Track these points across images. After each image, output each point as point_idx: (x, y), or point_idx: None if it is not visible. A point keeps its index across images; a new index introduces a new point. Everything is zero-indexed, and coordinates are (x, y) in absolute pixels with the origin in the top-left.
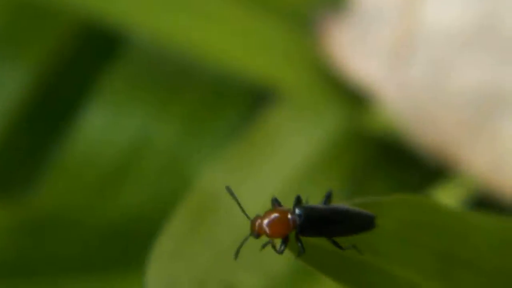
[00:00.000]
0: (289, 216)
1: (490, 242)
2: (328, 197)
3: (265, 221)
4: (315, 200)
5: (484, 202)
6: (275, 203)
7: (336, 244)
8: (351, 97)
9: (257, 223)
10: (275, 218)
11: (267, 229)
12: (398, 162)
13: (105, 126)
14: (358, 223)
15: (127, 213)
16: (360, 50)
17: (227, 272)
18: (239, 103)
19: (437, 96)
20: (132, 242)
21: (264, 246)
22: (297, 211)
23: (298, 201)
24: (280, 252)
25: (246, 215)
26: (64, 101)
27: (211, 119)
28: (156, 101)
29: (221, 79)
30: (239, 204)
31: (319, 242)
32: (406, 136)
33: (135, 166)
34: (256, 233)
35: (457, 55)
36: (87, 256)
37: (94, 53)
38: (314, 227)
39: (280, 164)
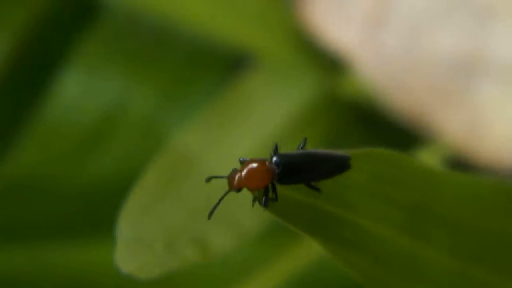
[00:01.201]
0: (267, 165)
1: (462, 197)
2: (303, 146)
3: (244, 173)
4: None
5: (459, 167)
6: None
7: (314, 187)
8: (327, 63)
9: (236, 177)
10: (254, 168)
11: (247, 181)
12: (374, 128)
13: (81, 92)
14: (334, 165)
15: (103, 179)
16: (336, 16)
17: (198, 230)
18: (216, 69)
19: (412, 62)
20: (108, 209)
21: (254, 200)
22: (275, 159)
23: (275, 151)
24: (265, 206)
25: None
26: (39, 67)
27: (188, 84)
28: (132, 67)
29: (198, 44)
30: None
31: (291, 195)
32: (381, 101)
33: (111, 132)
34: (236, 187)
35: (432, 21)
36: (62, 223)
37: (70, 19)
38: (293, 173)
39: (255, 126)
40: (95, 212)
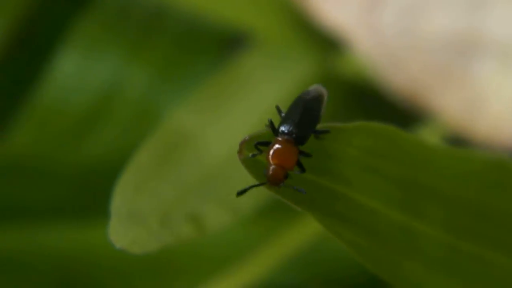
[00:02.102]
0: (282, 138)
1: (456, 172)
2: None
3: (274, 157)
4: None
5: (458, 145)
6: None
7: (324, 131)
8: (324, 42)
9: (270, 168)
10: (279, 148)
11: (283, 162)
12: (372, 107)
13: (76, 72)
14: (319, 98)
15: (99, 158)
16: None
17: (193, 207)
18: (211, 49)
19: (409, 41)
20: (104, 188)
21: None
22: (283, 128)
23: (272, 125)
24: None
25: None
26: (36, 48)
27: (183, 65)
28: (127, 47)
29: (193, 25)
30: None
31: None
32: (379, 81)
33: (107, 112)
34: (276, 175)
35: (430, 0)
36: (59, 202)
37: (66, 1)
38: (303, 128)
39: (251, 105)
40: (92, 191)
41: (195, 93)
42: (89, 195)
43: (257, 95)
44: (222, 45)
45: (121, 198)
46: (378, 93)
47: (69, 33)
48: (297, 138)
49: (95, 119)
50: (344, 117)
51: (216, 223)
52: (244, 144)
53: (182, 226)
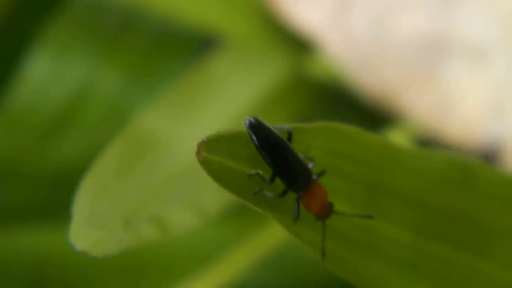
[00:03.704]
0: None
1: (417, 171)
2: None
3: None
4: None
5: (427, 146)
6: None
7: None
8: (295, 44)
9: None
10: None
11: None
12: (344, 108)
13: (49, 74)
14: None
15: (70, 162)
16: None
17: (158, 209)
18: (184, 51)
19: (380, 44)
20: (74, 191)
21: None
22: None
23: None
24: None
25: None
26: (7, 49)
27: (155, 67)
28: (100, 49)
29: (166, 27)
30: None
31: (242, 168)
32: (350, 82)
33: (78, 115)
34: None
35: (400, 2)
36: (27, 206)
37: (38, 3)
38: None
39: (221, 106)
40: (62, 193)
41: (163, 96)
42: (60, 197)
43: (227, 98)
44: (194, 48)
45: (83, 200)
46: (350, 95)
47: (42, 34)
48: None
49: (67, 121)
50: (314, 119)
51: (181, 225)
52: (202, 145)
53: (145, 229)
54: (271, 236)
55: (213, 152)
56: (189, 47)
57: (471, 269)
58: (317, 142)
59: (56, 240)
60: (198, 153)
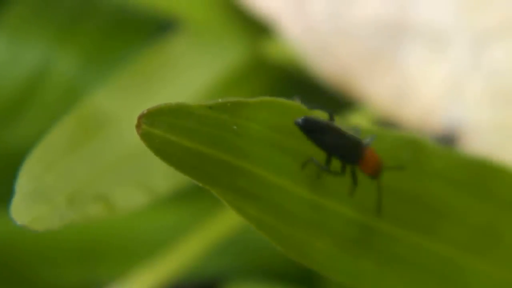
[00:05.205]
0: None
1: None
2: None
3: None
4: None
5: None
6: None
7: None
8: (255, 28)
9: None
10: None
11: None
12: (304, 92)
13: (3, 57)
14: None
15: (25, 144)
16: None
17: (105, 187)
18: (142, 34)
19: (338, 27)
20: None
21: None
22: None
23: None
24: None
25: None
26: None
27: (112, 50)
28: (56, 33)
29: (124, 9)
30: None
31: (184, 143)
32: (310, 66)
33: (34, 97)
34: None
35: None
36: None
37: None
38: None
39: (178, 88)
40: (16, 177)
41: (117, 77)
42: (13, 180)
43: (182, 80)
44: (152, 31)
45: (27, 176)
46: (309, 79)
47: None
48: None
49: (22, 104)
50: None
51: (129, 204)
52: (142, 118)
53: (90, 206)
54: (228, 220)
55: (154, 125)
56: (148, 31)
57: (418, 248)
58: (261, 116)
59: (7, 224)
60: (138, 126)
